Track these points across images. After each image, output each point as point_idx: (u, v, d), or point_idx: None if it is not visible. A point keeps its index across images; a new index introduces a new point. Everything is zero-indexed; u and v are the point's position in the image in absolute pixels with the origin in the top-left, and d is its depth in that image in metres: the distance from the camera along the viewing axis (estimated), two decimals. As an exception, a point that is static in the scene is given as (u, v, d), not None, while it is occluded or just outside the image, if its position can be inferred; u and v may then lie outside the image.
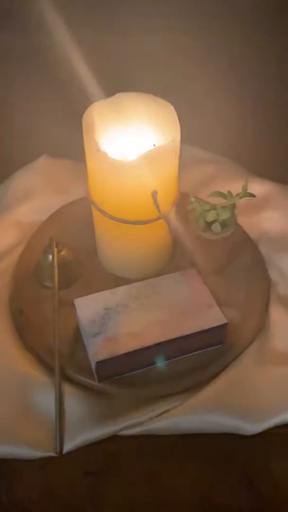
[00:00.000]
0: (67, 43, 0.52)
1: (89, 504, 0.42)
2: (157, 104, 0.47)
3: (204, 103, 0.63)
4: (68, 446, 0.44)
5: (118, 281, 0.53)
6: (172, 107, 0.46)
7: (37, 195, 0.62)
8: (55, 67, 0.57)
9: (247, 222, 0.58)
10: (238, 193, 0.49)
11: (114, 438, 0.45)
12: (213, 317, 0.48)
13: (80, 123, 0.46)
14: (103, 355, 0.45)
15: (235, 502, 0.42)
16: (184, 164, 0.49)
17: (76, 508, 0.42)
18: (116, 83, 0.48)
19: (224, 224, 0.51)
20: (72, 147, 0.59)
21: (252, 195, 0.49)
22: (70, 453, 0.44)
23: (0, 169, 0.65)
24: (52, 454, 0.44)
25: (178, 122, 0.46)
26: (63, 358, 0.48)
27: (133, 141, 0.49)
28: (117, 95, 0.48)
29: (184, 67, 0.62)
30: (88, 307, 0.48)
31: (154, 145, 0.49)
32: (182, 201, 0.52)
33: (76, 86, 0.49)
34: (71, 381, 0.47)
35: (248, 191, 0.49)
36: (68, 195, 0.62)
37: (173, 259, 0.56)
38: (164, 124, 0.47)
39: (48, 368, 0.48)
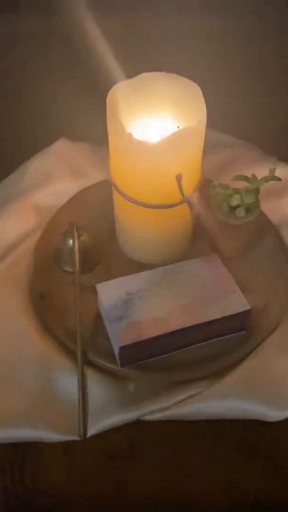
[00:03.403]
0: (90, 23, 0.51)
1: (113, 488, 0.42)
2: (182, 84, 0.46)
3: (227, 86, 0.62)
4: (91, 430, 0.44)
5: (138, 266, 0.53)
6: (198, 87, 0.45)
7: (55, 179, 0.61)
8: (76, 48, 0.55)
9: (269, 207, 0.57)
10: (264, 177, 0.49)
11: (137, 423, 0.44)
12: (237, 303, 0.47)
13: (98, 106, 0.45)
14: (126, 340, 0.45)
15: (261, 488, 0.42)
16: (205, 148, 0.48)
17: (100, 492, 0.42)
18: (139, 63, 0.47)
19: (247, 209, 0.50)
20: (90, 131, 0.58)
21: (278, 179, 0.49)
22: (93, 437, 0.44)
23: (17, 152, 0.64)
24: (76, 438, 0.44)
25: (204, 103, 0.45)
26: (85, 343, 0.47)
27: (156, 123, 0.48)
28: (141, 75, 0.46)
29: (208, 47, 0.61)
30: (109, 292, 0.48)
31: (178, 127, 0.48)
32: (204, 186, 0.51)
33: (97, 67, 0.48)
34: (93, 366, 0.47)
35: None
36: (86, 179, 0.61)
37: (194, 244, 0.56)
38: (190, 105, 0.46)
39: (70, 353, 0.47)
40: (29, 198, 0.59)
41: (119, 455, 0.44)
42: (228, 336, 0.49)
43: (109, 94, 0.45)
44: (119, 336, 0.45)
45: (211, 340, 0.49)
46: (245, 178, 0.50)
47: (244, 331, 0.49)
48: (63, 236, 0.53)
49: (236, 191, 0.50)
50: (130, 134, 0.43)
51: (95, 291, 0.49)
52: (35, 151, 0.64)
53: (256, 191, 0.50)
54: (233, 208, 0.50)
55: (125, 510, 0.42)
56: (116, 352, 0.46)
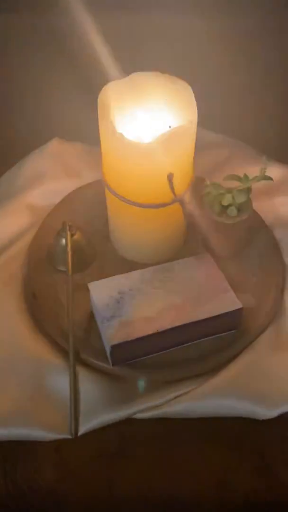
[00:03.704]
0: (81, 22, 0.51)
1: (104, 486, 0.42)
2: (174, 84, 0.46)
3: (220, 85, 0.62)
4: (83, 429, 0.44)
5: (131, 265, 0.53)
6: (190, 87, 0.45)
7: (49, 179, 0.61)
8: (69, 47, 0.56)
9: (261, 206, 0.57)
10: (256, 176, 0.49)
11: (129, 421, 0.45)
12: (228, 302, 0.47)
13: (91, 106, 0.45)
14: (117, 339, 0.45)
15: (251, 487, 0.42)
16: (197, 147, 0.48)
17: (91, 490, 0.42)
18: (131, 63, 0.47)
19: (239, 208, 0.51)
20: (84, 130, 0.58)
21: (270, 178, 0.49)
22: (85, 435, 0.44)
23: (11, 152, 0.64)
24: (67, 436, 0.44)
25: (195, 103, 0.45)
26: (77, 341, 0.48)
27: (148, 122, 0.48)
28: (133, 74, 0.47)
29: (200, 47, 0.61)
30: (102, 291, 0.48)
31: (169, 127, 0.48)
32: (196, 185, 0.51)
33: (89, 66, 0.48)
34: (85, 364, 0.47)
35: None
36: (80, 178, 0.61)
37: (186, 244, 0.56)
38: (181, 105, 0.46)
39: (62, 351, 0.48)
40: (22, 197, 0.60)
41: (111, 453, 0.44)
42: (220, 334, 0.49)
43: (101, 94, 0.45)
44: (110, 335, 0.45)
45: (203, 339, 0.49)
46: (237, 178, 0.50)
47: (235, 330, 0.49)
48: (56, 236, 0.54)
49: (228, 190, 0.50)
50: (121, 134, 0.43)
51: (88, 290, 0.49)
52: (29, 150, 0.64)
53: (248, 190, 0.50)
54: (225, 207, 0.50)
55: (116, 508, 0.42)
56: (108, 350, 0.46)
